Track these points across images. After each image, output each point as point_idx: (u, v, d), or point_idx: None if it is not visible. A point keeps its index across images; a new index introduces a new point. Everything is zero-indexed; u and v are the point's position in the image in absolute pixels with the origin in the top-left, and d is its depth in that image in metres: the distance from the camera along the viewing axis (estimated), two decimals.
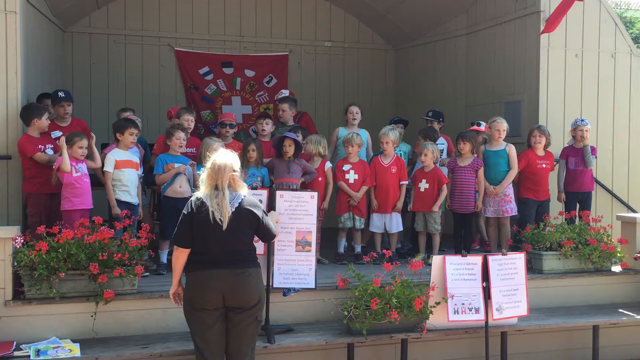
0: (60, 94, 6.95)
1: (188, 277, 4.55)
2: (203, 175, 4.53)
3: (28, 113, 6.42)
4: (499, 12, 9.07)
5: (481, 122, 7.97)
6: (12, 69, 6.50)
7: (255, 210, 4.56)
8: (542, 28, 8.10)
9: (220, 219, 4.39)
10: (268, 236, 4.75)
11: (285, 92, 8.81)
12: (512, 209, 7.35)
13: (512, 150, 7.40)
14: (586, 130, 7.68)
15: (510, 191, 7.34)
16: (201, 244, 4.48)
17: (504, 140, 7.49)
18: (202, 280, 4.46)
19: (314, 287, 5.62)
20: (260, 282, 4.61)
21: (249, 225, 4.56)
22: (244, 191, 4.56)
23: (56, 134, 6.70)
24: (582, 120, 7.78)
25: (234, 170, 4.52)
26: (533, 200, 7.48)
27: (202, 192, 4.50)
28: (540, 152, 7.54)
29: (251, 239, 4.62)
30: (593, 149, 7.70)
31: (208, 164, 4.52)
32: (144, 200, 7.10)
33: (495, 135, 7.41)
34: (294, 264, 5.59)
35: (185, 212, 4.51)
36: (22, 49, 6.61)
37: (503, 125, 7.42)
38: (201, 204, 4.45)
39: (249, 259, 4.58)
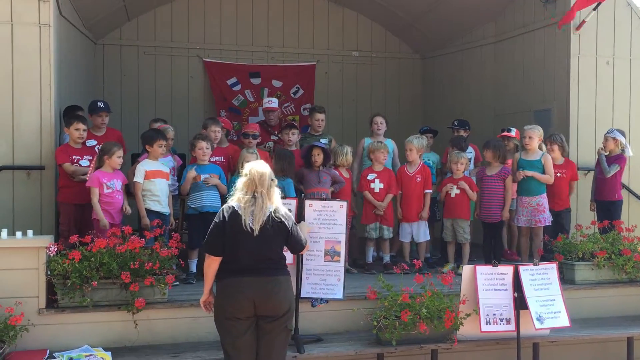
0: (100, 104, 7.06)
1: (219, 285, 4.56)
2: (239, 182, 4.54)
3: (66, 119, 6.60)
4: (528, 20, 9.01)
5: (512, 128, 7.89)
6: (46, 81, 6.62)
7: (285, 221, 4.55)
8: (572, 35, 8.04)
9: (251, 226, 4.40)
10: (297, 247, 4.74)
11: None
12: (545, 219, 7.19)
13: (547, 160, 7.24)
14: (608, 139, 7.57)
15: (544, 201, 7.20)
16: (233, 252, 4.49)
17: (542, 149, 7.36)
18: (234, 287, 4.46)
19: (341, 297, 5.60)
20: (290, 291, 4.61)
21: (280, 234, 4.55)
22: (277, 201, 4.57)
23: (91, 142, 6.80)
24: (610, 130, 7.66)
25: (272, 179, 4.54)
26: (550, 209, 7.34)
27: (235, 200, 4.50)
28: (558, 160, 7.43)
29: (282, 248, 4.62)
30: (618, 157, 7.53)
31: (245, 172, 4.53)
32: (176, 209, 7.15)
33: (524, 142, 7.32)
34: (322, 275, 5.58)
35: (217, 220, 4.53)
36: (55, 62, 6.74)
37: (532, 132, 7.27)
38: (233, 211, 4.46)
39: (279, 267, 4.57)
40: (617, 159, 7.56)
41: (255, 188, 4.46)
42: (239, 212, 4.43)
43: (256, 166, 4.55)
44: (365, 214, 7.36)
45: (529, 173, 7.13)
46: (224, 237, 4.48)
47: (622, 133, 7.67)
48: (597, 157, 7.73)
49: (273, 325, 4.49)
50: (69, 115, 6.82)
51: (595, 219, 7.48)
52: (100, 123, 7.05)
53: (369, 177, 7.31)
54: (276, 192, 4.57)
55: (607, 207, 7.60)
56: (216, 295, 4.61)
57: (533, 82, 8.92)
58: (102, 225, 6.06)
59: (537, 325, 5.61)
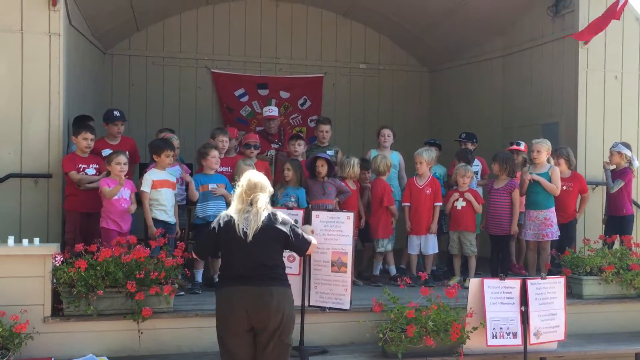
0: (116, 113, 7.08)
1: (217, 295, 4.54)
2: (236, 192, 4.55)
3: (74, 128, 6.61)
4: (536, 34, 9.01)
5: (521, 142, 7.87)
6: (55, 89, 6.65)
7: (281, 227, 4.50)
8: (580, 49, 8.04)
9: (245, 231, 4.38)
10: (302, 248, 4.68)
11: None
12: (553, 233, 7.15)
13: (555, 172, 7.20)
14: (614, 154, 7.55)
15: (552, 215, 7.16)
16: (227, 260, 4.50)
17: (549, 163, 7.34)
18: (228, 295, 4.42)
19: (348, 308, 5.58)
20: (286, 303, 4.46)
21: (276, 241, 4.51)
22: (270, 209, 4.56)
23: (106, 152, 6.79)
24: (615, 144, 7.64)
25: (268, 189, 4.55)
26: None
27: (232, 209, 4.51)
28: (564, 174, 7.41)
29: (279, 255, 4.56)
30: (623, 172, 7.49)
31: (242, 182, 4.54)
32: (183, 219, 7.15)
33: (532, 156, 7.30)
34: (329, 284, 5.56)
35: (213, 226, 4.55)
36: (65, 71, 6.77)
37: (540, 145, 7.26)
38: (228, 219, 4.46)
39: (275, 276, 4.48)
40: (622, 173, 7.52)
41: (250, 197, 4.45)
42: (234, 218, 4.43)
43: (251, 175, 4.57)
44: (383, 229, 7.30)
45: (537, 177, 7.12)
46: (215, 243, 4.55)
47: (628, 146, 7.63)
48: (603, 172, 7.71)
49: (267, 338, 4.38)
50: (77, 124, 6.84)
51: (603, 233, 7.43)
52: (115, 132, 7.07)
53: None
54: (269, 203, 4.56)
55: (617, 222, 7.56)
56: (216, 306, 4.56)
57: (541, 96, 8.90)
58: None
59: (533, 339, 5.59)
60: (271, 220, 4.48)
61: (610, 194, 7.52)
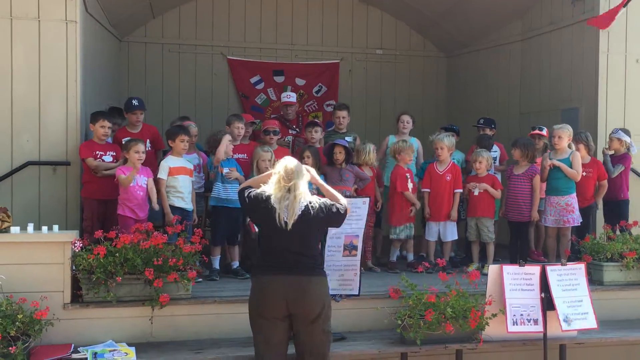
0: (134, 102, 7.08)
1: (253, 282, 4.56)
2: (273, 178, 4.52)
3: (92, 115, 6.63)
4: (555, 18, 8.88)
5: (543, 127, 7.78)
6: (72, 77, 6.66)
7: (320, 214, 4.46)
8: (600, 33, 7.91)
9: (285, 221, 4.38)
10: (341, 219, 4.64)
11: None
12: (574, 219, 7.07)
13: (576, 157, 7.11)
14: (613, 140, 7.55)
15: (573, 201, 7.09)
16: (266, 246, 4.52)
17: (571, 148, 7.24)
18: (266, 286, 4.45)
19: (357, 294, 5.56)
20: (325, 291, 4.54)
21: (316, 228, 4.54)
22: (310, 197, 4.54)
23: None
24: (614, 130, 7.61)
25: (305, 176, 4.54)
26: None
27: (273, 197, 4.45)
28: (584, 159, 7.31)
29: (317, 243, 4.61)
30: (622, 157, 7.49)
31: (279, 168, 4.52)
32: (201, 206, 7.15)
33: (553, 142, 7.21)
34: (340, 270, 5.57)
35: (253, 196, 4.50)
36: (82, 58, 6.77)
37: (561, 131, 7.16)
38: (269, 202, 4.42)
39: (314, 266, 4.53)
40: (622, 158, 7.49)
41: (289, 183, 4.43)
42: (275, 205, 4.40)
43: (288, 162, 4.54)
44: (396, 216, 7.26)
45: (557, 163, 7.04)
46: (252, 205, 4.51)
47: (628, 133, 7.59)
48: (602, 157, 7.62)
49: (307, 327, 4.45)
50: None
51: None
52: (135, 121, 7.07)
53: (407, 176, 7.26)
54: (307, 186, 4.55)
55: (612, 207, 7.50)
56: (250, 292, 4.59)
57: (560, 81, 8.78)
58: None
59: (565, 326, 5.52)
60: (310, 207, 4.47)
61: (610, 179, 7.45)
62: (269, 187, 4.52)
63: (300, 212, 4.40)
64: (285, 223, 4.37)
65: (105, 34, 8.54)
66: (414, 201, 7.22)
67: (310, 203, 4.47)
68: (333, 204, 4.59)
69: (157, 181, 6.41)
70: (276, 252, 4.46)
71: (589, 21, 7.91)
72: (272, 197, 4.45)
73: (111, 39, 9.03)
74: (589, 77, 8.22)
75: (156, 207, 6.35)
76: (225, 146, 6.60)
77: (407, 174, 7.27)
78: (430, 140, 7.65)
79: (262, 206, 4.47)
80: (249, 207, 4.61)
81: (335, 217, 4.59)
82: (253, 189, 4.61)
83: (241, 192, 4.67)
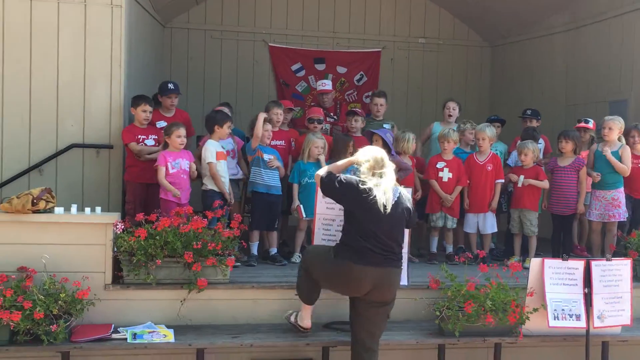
0: (170, 85, 7.11)
1: (340, 264, 4.69)
2: (363, 167, 4.72)
3: (134, 99, 6.70)
4: (604, 7, 8.64)
5: (589, 119, 7.58)
6: (117, 62, 6.72)
7: (407, 204, 4.81)
8: None
9: (384, 204, 4.56)
10: (414, 221, 5.09)
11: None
12: (620, 214, 6.90)
13: (626, 151, 6.92)
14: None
15: (620, 195, 6.90)
16: (358, 229, 4.64)
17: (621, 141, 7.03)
18: (356, 274, 4.64)
19: (406, 284, 5.54)
20: (399, 281, 4.90)
21: (403, 217, 4.76)
22: (397, 186, 4.80)
23: (161, 123, 6.87)
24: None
25: (391, 164, 4.76)
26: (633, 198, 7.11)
27: (362, 178, 4.68)
28: (638, 151, 7.11)
29: (404, 233, 4.86)
30: None
31: (367, 157, 4.73)
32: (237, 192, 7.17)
33: (603, 133, 7.01)
34: None
35: (347, 182, 4.69)
36: (126, 43, 6.83)
37: (612, 122, 6.95)
38: (359, 184, 4.63)
39: (400, 256, 4.81)
40: None
41: (380, 170, 4.66)
42: (373, 190, 4.59)
43: (375, 151, 4.80)
44: (430, 203, 7.20)
45: (609, 155, 6.85)
46: (348, 189, 4.66)
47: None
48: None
49: (376, 309, 4.74)
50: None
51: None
52: (169, 104, 7.11)
53: (437, 166, 7.12)
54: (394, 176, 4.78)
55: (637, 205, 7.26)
56: (333, 267, 4.76)
57: (608, 72, 8.56)
58: (174, 194, 6.15)
59: (597, 322, 5.43)
60: (402, 195, 4.76)
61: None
62: (358, 174, 4.73)
63: (395, 198, 4.64)
64: (384, 207, 4.56)
65: (149, 20, 8.60)
66: (440, 194, 7.07)
67: (399, 192, 4.74)
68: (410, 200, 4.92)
69: (206, 166, 6.39)
70: (369, 235, 4.61)
71: None
72: (368, 183, 4.62)
73: (155, 24, 9.09)
74: (638, 68, 7.98)
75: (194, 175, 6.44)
76: (262, 124, 6.58)
77: (443, 163, 7.13)
78: (461, 129, 7.57)
79: (357, 191, 4.63)
80: (340, 191, 4.74)
81: (413, 214, 4.94)
82: (341, 175, 4.80)
83: (330, 177, 4.80)
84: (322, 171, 4.94)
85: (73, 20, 6.67)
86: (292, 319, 5.28)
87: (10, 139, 6.65)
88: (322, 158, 6.63)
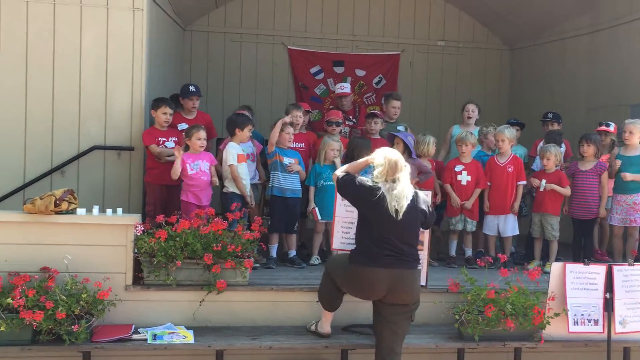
0: (191, 88, 7.16)
1: (352, 270, 4.72)
2: (377, 171, 4.70)
3: (154, 102, 6.75)
4: (624, 11, 8.56)
5: (610, 122, 7.51)
6: (138, 64, 6.78)
7: (422, 206, 4.76)
8: None
9: (396, 209, 4.54)
10: (431, 222, 5.06)
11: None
12: None
13: None
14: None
15: None
16: (370, 233, 4.65)
17: None
18: (369, 277, 4.65)
19: (424, 284, 5.52)
20: (419, 282, 4.84)
21: (419, 220, 4.74)
22: (413, 188, 4.77)
23: (182, 126, 6.93)
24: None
25: (405, 165, 4.72)
26: None
27: (375, 181, 4.67)
28: None
29: (419, 236, 4.79)
30: None
31: (381, 160, 4.69)
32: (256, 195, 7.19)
33: (624, 137, 6.94)
34: None
35: (362, 184, 4.68)
36: (147, 46, 6.89)
37: (633, 126, 6.88)
38: (374, 188, 4.62)
39: (415, 258, 4.75)
40: None
41: (394, 174, 4.62)
42: (385, 194, 4.57)
43: (389, 153, 4.73)
44: (450, 206, 7.16)
45: (629, 177, 6.77)
46: (363, 191, 4.64)
47: None
48: None
49: (397, 314, 4.73)
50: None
51: None
52: (191, 107, 7.15)
53: (456, 169, 7.09)
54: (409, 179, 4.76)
55: None
56: (347, 274, 4.79)
57: (630, 75, 8.46)
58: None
59: (619, 328, 5.38)
60: (416, 198, 4.70)
61: None
62: (372, 178, 4.71)
63: (409, 202, 4.60)
64: (396, 211, 4.54)
65: (170, 23, 8.67)
66: (455, 199, 7.01)
67: (415, 194, 4.71)
68: (427, 202, 4.89)
69: (228, 169, 6.40)
70: (382, 240, 4.61)
71: None
72: (382, 187, 4.60)
73: (175, 27, 9.16)
74: None
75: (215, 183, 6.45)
76: (278, 131, 6.61)
77: (461, 166, 7.10)
78: (483, 133, 7.54)
79: (372, 194, 4.61)
80: (355, 194, 4.75)
81: (429, 215, 4.88)
82: (357, 177, 4.79)
83: (346, 178, 4.81)
84: (340, 171, 4.95)
85: (95, 23, 6.74)
86: (313, 327, 5.32)
87: (33, 141, 6.74)
88: (338, 161, 6.64)
